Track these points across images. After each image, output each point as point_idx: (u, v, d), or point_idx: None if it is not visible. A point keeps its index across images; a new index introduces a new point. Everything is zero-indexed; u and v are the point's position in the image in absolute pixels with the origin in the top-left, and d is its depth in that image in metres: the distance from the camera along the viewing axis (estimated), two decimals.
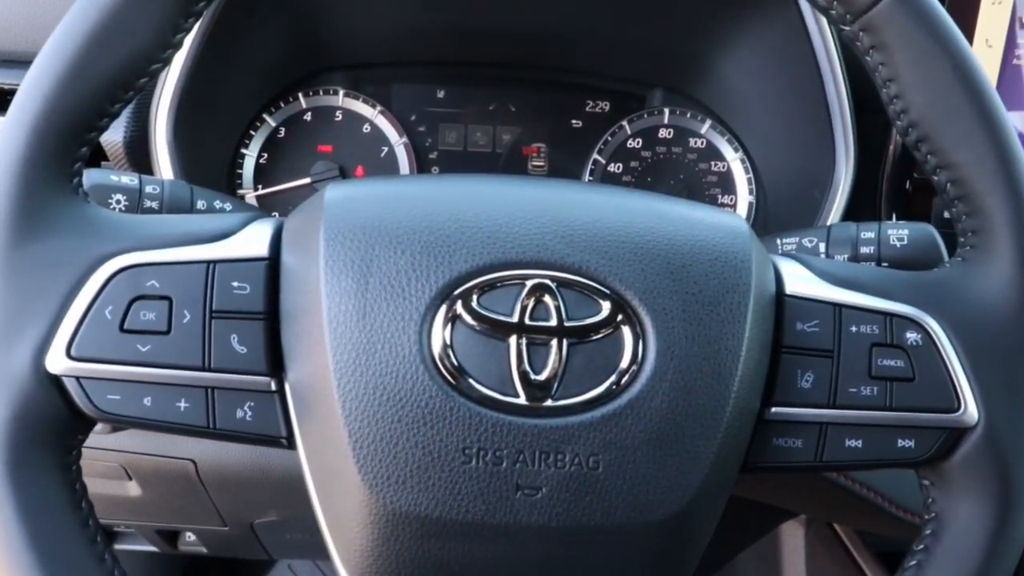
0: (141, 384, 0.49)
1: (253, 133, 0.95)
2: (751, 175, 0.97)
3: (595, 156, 0.99)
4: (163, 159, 0.81)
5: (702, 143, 0.99)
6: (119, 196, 0.64)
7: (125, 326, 0.49)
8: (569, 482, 0.46)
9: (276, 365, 0.50)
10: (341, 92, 0.96)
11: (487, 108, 1.00)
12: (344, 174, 0.96)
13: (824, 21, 0.83)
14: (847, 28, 0.53)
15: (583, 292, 0.47)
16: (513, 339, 0.46)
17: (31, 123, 0.49)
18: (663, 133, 0.99)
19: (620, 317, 0.47)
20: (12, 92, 0.78)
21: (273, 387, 0.50)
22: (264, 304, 0.50)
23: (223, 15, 0.82)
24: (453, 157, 0.99)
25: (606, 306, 0.47)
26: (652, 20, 0.91)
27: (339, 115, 0.97)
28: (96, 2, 0.49)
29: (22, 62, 0.80)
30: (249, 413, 0.50)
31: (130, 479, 0.98)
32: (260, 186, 0.95)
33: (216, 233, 0.52)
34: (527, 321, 0.47)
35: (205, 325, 0.50)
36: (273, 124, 0.95)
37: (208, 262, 0.50)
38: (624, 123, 0.99)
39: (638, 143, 0.99)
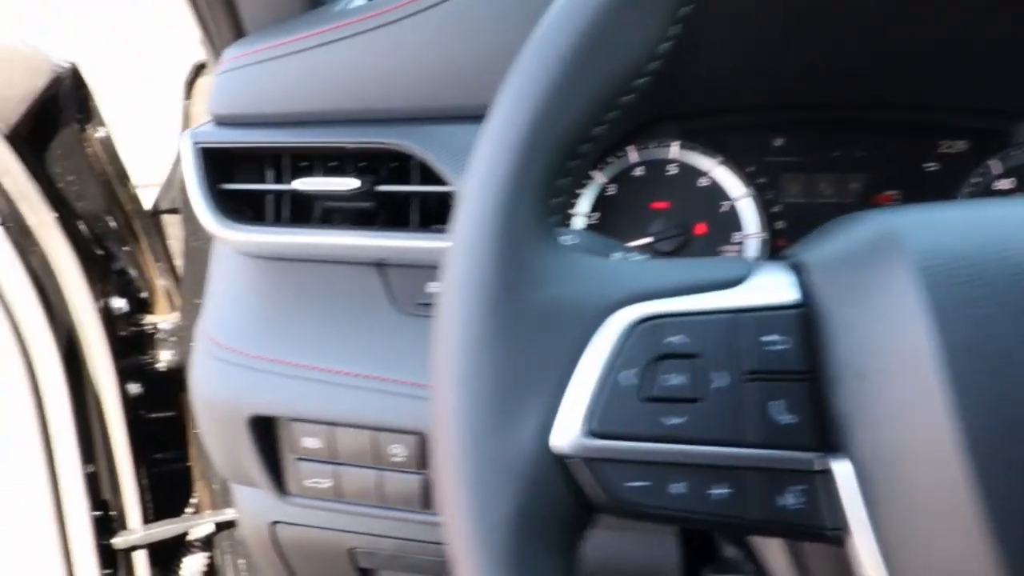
0: (669, 466, 0.40)
1: (578, 192, 0.87)
2: None
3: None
4: None
5: None
6: None
7: (649, 392, 0.40)
8: None
9: (823, 437, 0.40)
10: (677, 144, 0.87)
11: (830, 155, 0.89)
12: (686, 233, 0.86)
13: None
14: None
15: None
16: None
17: (515, 149, 0.41)
18: None
19: None
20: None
21: (818, 466, 0.40)
22: (807, 361, 0.40)
23: None
24: (799, 210, 0.88)
25: None
26: None
27: (673, 168, 0.88)
28: (580, 13, 0.42)
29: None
30: (793, 499, 0.40)
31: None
32: None
33: (725, 279, 0.42)
34: None
35: (740, 389, 0.40)
36: (603, 180, 0.87)
37: (734, 311, 0.41)
38: (990, 162, 0.86)
39: (1009, 184, 0.86)
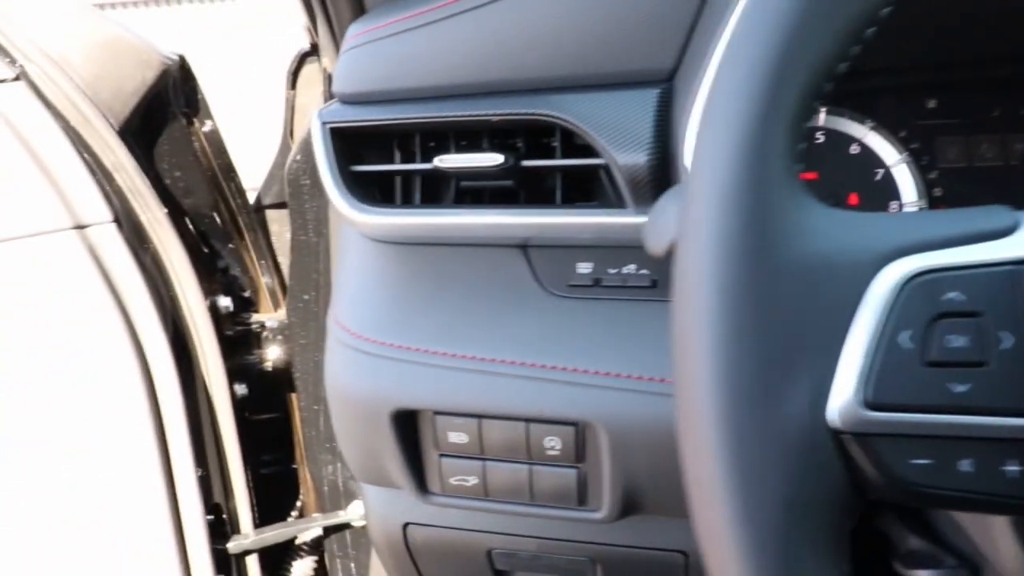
0: (956, 441, 0.35)
1: None
2: None
3: None
4: None
5: None
6: None
7: (931, 356, 0.35)
8: None
9: None
10: (823, 110, 0.82)
11: (990, 115, 0.83)
12: (839, 204, 0.81)
13: None
14: None
15: None
16: None
17: (766, 81, 0.37)
18: None
19: None
20: None
21: None
22: None
23: None
24: (958, 175, 0.82)
25: None
26: None
27: (821, 136, 0.82)
28: None
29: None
30: None
31: None
32: None
33: (995, 229, 0.38)
34: None
35: None
36: None
37: (1013, 263, 0.36)
38: None
39: None
